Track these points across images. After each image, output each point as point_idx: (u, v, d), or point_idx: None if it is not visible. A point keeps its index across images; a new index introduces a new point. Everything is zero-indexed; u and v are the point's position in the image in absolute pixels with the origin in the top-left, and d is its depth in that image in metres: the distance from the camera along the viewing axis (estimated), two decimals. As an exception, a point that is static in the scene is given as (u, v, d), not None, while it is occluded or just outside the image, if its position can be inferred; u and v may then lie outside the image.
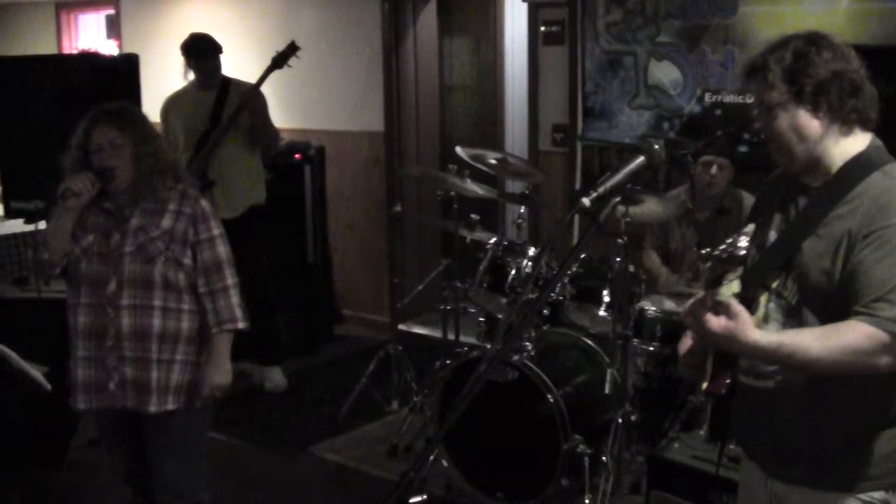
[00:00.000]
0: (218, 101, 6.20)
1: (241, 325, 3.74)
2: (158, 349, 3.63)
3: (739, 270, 2.27)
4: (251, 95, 6.10)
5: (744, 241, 2.24)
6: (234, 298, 3.72)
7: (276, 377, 6.57)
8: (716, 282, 2.29)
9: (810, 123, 2.46)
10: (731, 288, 2.28)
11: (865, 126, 2.50)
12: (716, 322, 2.30)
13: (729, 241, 2.26)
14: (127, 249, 3.59)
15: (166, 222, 3.63)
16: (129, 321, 3.60)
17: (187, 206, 3.67)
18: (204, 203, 3.74)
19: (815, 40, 2.46)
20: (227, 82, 6.29)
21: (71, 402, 3.74)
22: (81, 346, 3.67)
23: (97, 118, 3.63)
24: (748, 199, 5.13)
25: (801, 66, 2.43)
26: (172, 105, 6.31)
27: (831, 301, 2.41)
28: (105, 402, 3.67)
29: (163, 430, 3.72)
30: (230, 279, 3.72)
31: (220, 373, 3.72)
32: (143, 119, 3.74)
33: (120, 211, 3.64)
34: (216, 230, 3.72)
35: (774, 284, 2.53)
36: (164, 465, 3.76)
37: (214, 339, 3.72)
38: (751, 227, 2.29)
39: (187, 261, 3.66)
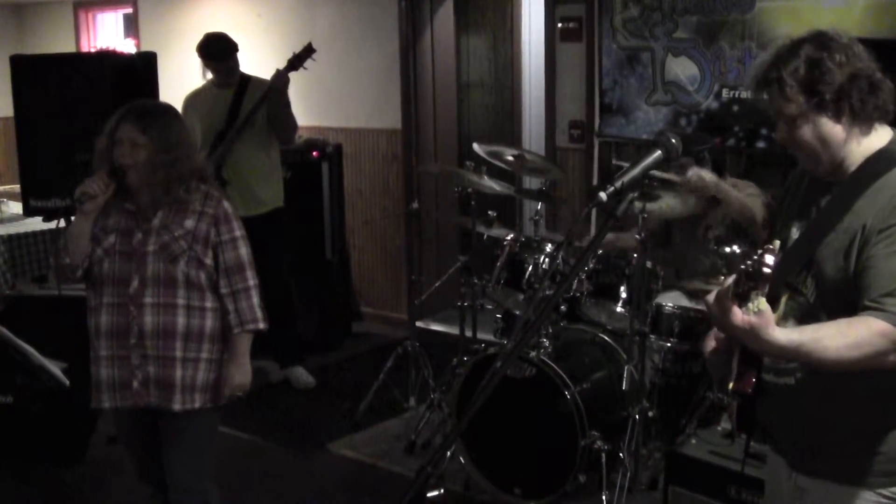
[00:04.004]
0: (236, 100, 6.21)
1: (262, 325, 3.76)
2: (184, 347, 3.64)
3: (766, 289, 2.24)
4: (277, 78, 6.10)
5: (769, 258, 2.20)
6: (255, 299, 3.74)
7: (301, 376, 6.59)
8: (742, 297, 2.26)
9: (834, 130, 2.43)
10: (758, 305, 2.24)
11: (885, 119, 2.49)
12: (740, 317, 2.26)
13: (755, 256, 2.21)
14: (150, 248, 3.59)
15: (189, 222, 3.63)
16: (152, 319, 3.60)
17: (210, 206, 3.67)
18: (226, 204, 3.73)
19: (825, 44, 2.42)
20: (247, 80, 6.31)
21: (94, 402, 3.74)
22: (104, 345, 3.66)
23: (128, 113, 3.61)
24: (741, 188, 5.08)
25: (817, 74, 2.39)
26: (191, 103, 6.33)
27: (847, 298, 2.40)
28: (129, 400, 3.67)
29: (183, 427, 3.73)
30: (251, 280, 3.74)
31: (242, 373, 3.75)
32: (173, 124, 3.68)
33: (142, 211, 3.64)
34: (238, 231, 3.73)
35: (794, 282, 2.52)
36: (180, 461, 3.77)
37: (236, 339, 3.73)
38: (777, 244, 2.26)
39: (208, 261, 3.66)
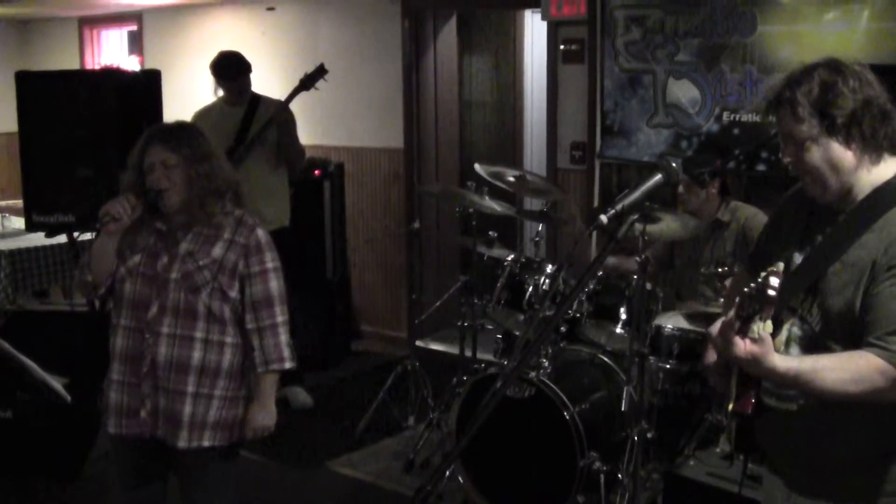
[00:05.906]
0: (246, 118, 6.23)
1: (287, 365, 3.56)
2: (197, 383, 3.46)
3: (771, 311, 2.26)
4: (280, 111, 6.12)
5: (775, 281, 2.21)
6: (283, 337, 3.56)
7: (300, 396, 6.56)
8: (747, 318, 2.27)
9: (844, 155, 2.44)
10: (764, 328, 2.26)
11: (894, 151, 2.49)
12: (741, 346, 2.29)
13: (760, 279, 2.23)
14: (173, 276, 3.44)
15: (217, 251, 3.47)
16: (167, 350, 3.44)
17: (241, 235, 3.52)
18: (260, 233, 3.56)
19: (838, 69, 2.44)
20: (257, 99, 6.33)
21: (104, 424, 3.61)
22: (117, 369, 3.52)
23: (152, 137, 3.50)
24: (745, 211, 5.14)
25: (830, 97, 2.41)
26: (200, 120, 6.29)
27: (854, 330, 2.41)
28: (135, 429, 3.51)
29: (195, 466, 3.58)
30: (280, 316, 3.56)
31: (266, 414, 3.58)
32: (199, 138, 3.56)
33: (172, 233, 3.50)
34: (270, 263, 3.55)
35: (799, 309, 2.53)
36: (197, 501, 3.66)
37: (260, 379, 3.55)
38: (780, 266, 2.27)
39: (234, 294, 3.49)
